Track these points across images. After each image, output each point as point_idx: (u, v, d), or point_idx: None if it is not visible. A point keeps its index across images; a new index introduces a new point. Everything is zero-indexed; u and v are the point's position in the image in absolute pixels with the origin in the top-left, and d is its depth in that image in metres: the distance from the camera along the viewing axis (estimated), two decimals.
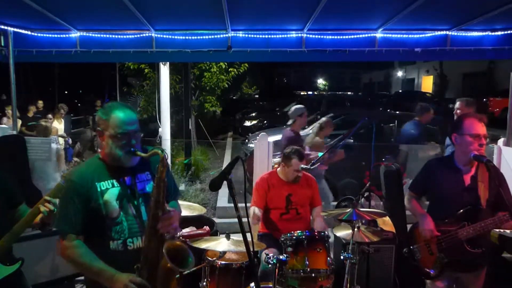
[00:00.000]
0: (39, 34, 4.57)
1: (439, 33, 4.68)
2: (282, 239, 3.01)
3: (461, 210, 2.63)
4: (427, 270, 2.75)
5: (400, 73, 36.10)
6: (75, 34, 4.58)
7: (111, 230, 1.99)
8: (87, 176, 2.01)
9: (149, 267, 1.92)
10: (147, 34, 4.60)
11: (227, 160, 10.47)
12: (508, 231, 2.87)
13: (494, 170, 2.56)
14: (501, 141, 4.75)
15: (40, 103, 10.87)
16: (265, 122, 14.90)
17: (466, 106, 4.75)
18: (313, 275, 2.84)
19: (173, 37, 4.62)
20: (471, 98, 4.99)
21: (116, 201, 2.00)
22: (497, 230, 2.63)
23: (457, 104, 4.80)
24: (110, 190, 2.01)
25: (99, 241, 2.00)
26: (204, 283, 2.88)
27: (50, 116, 9.09)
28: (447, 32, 4.67)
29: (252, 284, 2.76)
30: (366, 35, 4.66)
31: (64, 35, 4.58)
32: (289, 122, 5.28)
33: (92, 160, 2.15)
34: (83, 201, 1.97)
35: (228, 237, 2.79)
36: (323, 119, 5.75)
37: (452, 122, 3.00)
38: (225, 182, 1.86)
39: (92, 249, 1.97)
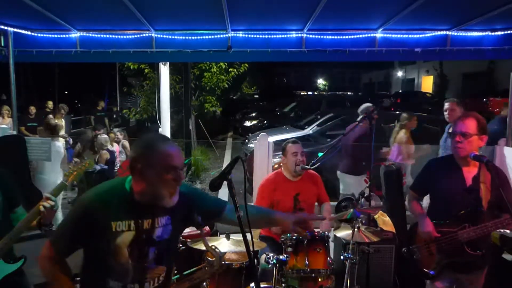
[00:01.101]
0: (39, 34, 4.58)
1: (439, 33, 4.68)
2: (282, 239, 3.00)
3: (462, 212, 2.62)
4: (426, 270, 2.74)
5: (400, 73, 36.10)
6: (75, 34, 4.58)
7: (113, 271, 1.80)
8: (103, 212, 1.77)
9: None
10: (147, 34, 4.60)
11: (227, 160, 10.48)
12: (508, 231, 2.87)
13: (495, 171, 2.55)
14: (501, 141, 4.75)
15: (50, 103, 10.83)
16: (265, 122, 14.91)
17: (458, 105, 4.83)
18: (313, 275, 2.83)
19: (173, 37, 4.62)
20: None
21: (127, 247, 1.78)
22: (498, 230, 2.63)
23: (448, 105, 4.83)
24: (125, 234, 1.78)
25: (99, 275, 1.83)
26: (204, 283, 2.87)
27: (50, 116, 9.07)
28: (447, 32, 4.67)
29: (252, 284, 2.76)
30: (366, 35, 4.66)
31: (64, 35, 4.58)
32: (358, 119, 5.30)
33: (117, 187, 1.85)
34: (88, 236, 1.77)
35: (228, 237, 2.79)
36: (404, 115, 5.98)
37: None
38: (225, 182, 1.85)
39: (89, 278, 1.88)
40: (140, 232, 1.80)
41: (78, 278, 1.95)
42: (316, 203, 3.73)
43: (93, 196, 1.83)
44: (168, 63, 6.29)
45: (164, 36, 4.61)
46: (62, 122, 9.55)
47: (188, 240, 3.04)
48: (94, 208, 1.77)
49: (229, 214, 2.05)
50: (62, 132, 9.01)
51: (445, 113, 4.85)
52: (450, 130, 4.76)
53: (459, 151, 2.64)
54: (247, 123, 15.67)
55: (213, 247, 1.98)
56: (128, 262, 1.79)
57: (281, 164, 3.72)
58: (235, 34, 4.61)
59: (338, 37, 4.66)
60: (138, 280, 1.83)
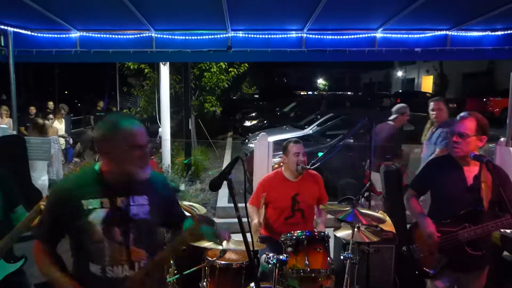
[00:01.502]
0: (39, 34, 4.58)
1: (439, 33, 4.68)
2: (282, 239, 3.00)
3: (462, 211, 2.62)
4: (427, 269, 2.74)
5: (400, 73, 36.11)
6: (75, 34, 4.58)
7: (91, 252, 1.82)
8: (73, 191, 1.83)
9: None
10: (147, 34, 4.60)
11: (227, 160, 10.48)
12: (508, 231, 2.87)
13: (496, 170, 2.55)
14: (501, 141, 4.75)
15: (51, 104, 10.82)
16: (265, 122, 14.90)
17: (444, 104, 4.83)
18: (313, 275, 2.83)
19: (173, 37, 4.62)
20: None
21: (100, 225, 1.80)
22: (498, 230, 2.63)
23: (434, 105, 4.81)
24: (97, 211, 1.81)
25: (80, 261, 1.87)
26: (204, 283, 2.87)
27: (51, 116, 9.09)
28: (447, 32, 4.67)
29: (252, 284, 2.76)
30: (366, 35, 4.66)
31: (64, 35, 4.58)
32: (391, 118, 5.32)
33: (88, 171, 1.92)
34: (64, 217, 1.83)
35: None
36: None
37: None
38: (225, 182, 1.85)
39: (74, 268, 1.91)
40: (114, 210, 1.83)
41: None
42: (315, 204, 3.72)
43: (63, 181, 1.98)
44: (168, 63, 6.30)
45: (164, 36, 4.61)
46: (62, 122, 9.57)
47: None
48: (64, 191, 1.86)
49: (186, 225, 2.08)
50: (62, 133, 9.03)
51: (432, 112, 4.83)
52: (435, 130, 4.77)
53: (456, 151, 2.64)
54: (247, 123, 15.66)
55: (194, 211, 2.00)
56: (104, 240, 1.81)
57: (282, 163, 3.72)
58: (235, 34, 4.61)
59: (338, 37, 4.66)
60: (118, 263, 1.83)
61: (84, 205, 1.81)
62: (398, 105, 5.50)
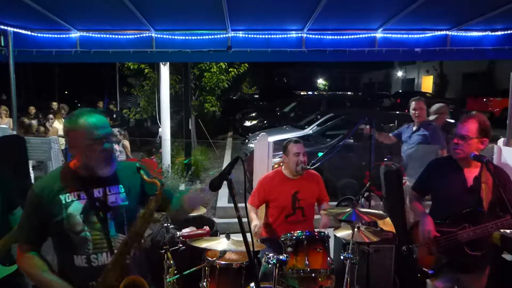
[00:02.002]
0: (39, 34, 4.57)
1: (439, 33, 4.68)
2: (282, 239, 3.01)
3: (462, 212, 2.62)
4: (426, 269, 2.75)
5: (400, 73, 36.11)
6: (75, 34, 4.58)
7: (75, 244, 1.88)
8: (49, 189, 1.90)
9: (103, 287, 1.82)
10: (147, 34, 4.60)
11: (227, 160, 10.48)
12: (508, 231, 2.87)
13: (496, 171, 2.55)
14: (501, 141, 4.75)
15: (54, 104, 10.82)
16: (265, 122, 14.89)
17: (424, 104, 4.83)
18: (313, 275, 2.83)
19: (173, 37, 4.62)
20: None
21: (80, 215, 1.88)
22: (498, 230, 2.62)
23: (415, 104, 4.79)
24: (75, 203, 1.89)
25: (65, 256, 1.92)
26: (204, 283, 2.88)
27: (51, 116, 9.08)
28: (447, 32, 4.67)
29: (252, 284, 2.76)
30: (366, 35, 4.66)
31: (64, 35, 4.58)
32: (432, 118, 5.27)
33: (58, 169, 2.01)
34: (43, 216, 1.88)
35: (228, 237, 2.79)
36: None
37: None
38: (225, 182, 1.85)
39: (59, 264, 1.94)
40: (92, 200, 1.91)
41: None
42: (315, 204, 3.73)
43: (38, 182, 2.03)
44: (168, 63, 6.31)
45: (164, 36, 4.61)
46: (62, 122, 9.57)
47: (188, 240, 3.03)
48: (40, 190, 1.91)
49: (166, 193, 2.10)
50: (62, 133, 9.03)
51: (414, 112, 4.79)
52: (415, 128, 4.77)
53: (457, 152, 2.64)
54: (247, 123, 15.66)
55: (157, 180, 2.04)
56: (85, 230, 1.88)
57: (282, 163, 3.72)
58: (235, 34, 4.61)
59: (338, 37, 4.65)
60: (101, 250, 1.89)
61: (62, 199, 1.89)
62: (436, 105, 5.47)
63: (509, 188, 2.55)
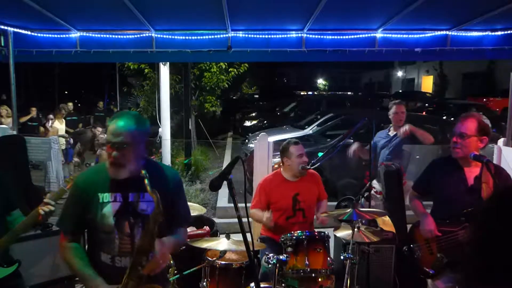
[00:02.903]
0: (39, 34, 4.57)
1: (439, 33, 4.68)
2: (282, 239, 3.00)
3: (463, 212, 2.62)
4: (427, 269, 2.75)
5: (400, 73, 36.08)
6: (75, 34, 4.58)
7: (103, 242, 1.97)
8: (91, 184, 2.00)
9: None
10: (147, 34, 4.60)
11: (227, 160, 10.48)
12: None
13: (496, 170, 2.55)
14: (501, 141, 4.75)
15: (70, 104, 10.81)
16: (265, 122, 14.89)
17: (404, 108, 4.74)
18: (313, 275, 2.83)
19: (173, 37, 4.62)
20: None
21: (113, 217, 1.95)
22: None
23: (395, 108, 4.68)
24: (111, 205, 1.96)
25: (93, 250, 2.02)
26: (204, 283, 2.87)
27: (51, 116, 9.09)
28: (447, 32, 4.67)
29: (252, 284, 2.76)
30: (366, 35, 4.65)
31: (64, 35, 4.58)
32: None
33: (101, 166, 2.06)
34: (83, 208, 1.98)
35: (228, 237, 2.79)
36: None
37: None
38: (225, 182, 1.85)
39: (88, 255, 2.02)
40: (126, 204, 1.97)
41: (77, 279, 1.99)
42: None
43: (82, 175, 2.11)
44: (168, 63, 6.29)
45: (164, 36, 4.61)
46: (62, 122, 9.57)
47: (188, 240, 3.03)
48: (83, 183, 2.01)
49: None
50: (62, 133, 9.03)
51: (393, 115, 4.69)
52: (391, 132, 4.69)
53: (456, 151, 2.64)
54: (247, 123, 15.65)
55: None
56: (114, 231, 1.95)
57: (282, 164, 3.70)
58: (235, 34, 4.61)
59: (338, 37, 4.65)
60: (126, 254, 1.94)
61: (99, 198, 1.97)
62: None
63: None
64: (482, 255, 0.91)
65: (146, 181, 1.90)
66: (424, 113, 15.51)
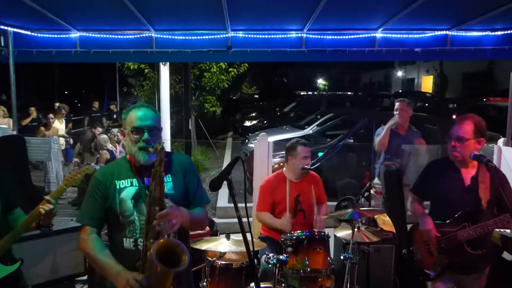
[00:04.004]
0: (39, 34, 4.57)
1: (439, 33, 4.68)
2: (282, 239, 3.00)
3: (461, 211, 2.63)
4: (427, 271, 2.74)
5: (400, 73, 36.09)
6: (75, 34, 4.58)
7: (124, 228, 2.04)
8: (108, 174, 2.10)
9: (149, 265, 1.86)
10: (147, 34, 4.60)
11: (227, 160, 10.48)
12: (508, 230, 2.87)
13: (494, 170, 2.55)
14: (501, 141, 4.75)
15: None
16: (265, 122, 14.89)
17: (408, 106, 4.69)
18: (313, 275, 2.83)
19: (173, 37, 4.62)
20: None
21: (131, 200, 2.04)
22: (498, 230, 2.62)
23: (399, 105, 4.67)
24: (128, 189, 2.06)
25: (115, 238, 2.08)
26: (204, 283, 2.88)
27: (51, 116, 9.07)
28: (447, 32, 4.67)
29: (252, 284, 2.76)
30: (366, 35, 4.66)
31: (64, 35, 4.58)
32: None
33: (119, 159, 2.26)
34: (102, 198, 2.06)
35: (228, 237, 2.79)
36: None
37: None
38: (225, 182, 1.85)
39: (110, 246, 2.08)
40: (143, 187, 2.06)
41: (78, 278, 1.98)
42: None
43: (100, 169, 2.23)
44: (168, 63, 6.29)
45: (164, 36, 4.61)
46: (62, 122, 9.56)
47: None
48: (102, 175, 2.11)
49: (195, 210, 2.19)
50: (62, 133, 9.02)
51: (395, 112, 4.68)
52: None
53: (455, 155, 2.64)
54: (247, 123, 15.65)
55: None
56: (134, 213, 2.03)
57: (285, 164, 3.69)
58: (235, 34, 4.61)
59: (338, 37, 4.65)
60: (149, 236, 1.92)
61: (117, 185, 2.07)
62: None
63: (507, 187, 2.56)
64: None
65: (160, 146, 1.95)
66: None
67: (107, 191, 2.06)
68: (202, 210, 2.26)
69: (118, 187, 2.07)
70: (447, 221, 2.68)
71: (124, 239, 2.04)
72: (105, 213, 2.08)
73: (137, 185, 2.07)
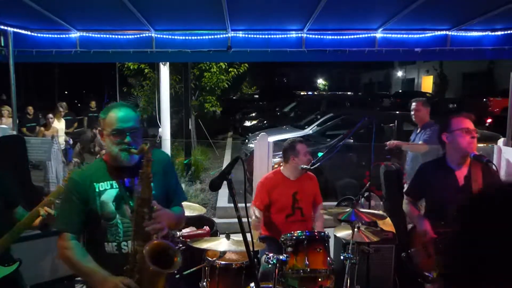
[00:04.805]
0: (39, 34, 4.57)
1: (439, 33, 4.68)
2: (282, 239, 3.01)
3: (457, 211, 2.63)
4: (426, 274, 2.74)
5: (400, 73, 36.08)
6: (75, 34, 4.58)
7: (106, 232, 1.96)
8: (86, 176, 2.01)
9: (138, 269, 1.83)
10: (147, 34, 4.60)
11: (227, 160, 10.47)
12: None
13: (488, 169, 2.57)
14: (501, 141, 4.75)
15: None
16: (265, 122, 14.88)
17: (423, 106, 4.73)
18: (313, 275, 2.83)
19: (173, 37, 4.62)
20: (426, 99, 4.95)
21: (112, 203, 1.97)
22: None
23: (414, 105, 4.73)
24: (108, 191, 1.99)
25: (96, 242, 2.00)
26: (204, 283, 2.87)
27: (51, 115, 9.07)
28: (447, 32, 4.67)
29: (252, 284, 2.76)
30: (366, 35, 4.66)
31: (64, 35, 4.58)
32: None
33: (95, 161, 2.17)
34: (82, 201, 1.97)
35: (228, 237, 2.78)
36: None
37: (441, 124, 3.01)
38: (225, 182, 1.85)
39: (89, 251, 1.98)
40: (123, 189, 2.00)
41: (78, 278, 1.97)
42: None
43: (76, 171, 2.16)
44: (168, 63, 6.29)
45: (164, 36, 4.61)
46: (61, 121, 9.54)
47: (188, 240, 3.04)
48: (80, 177, 2.03)
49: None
50: (61, 133, 9.01)
51: (411, 113, 4.75)
52: (418, 130, 4.67)
53: (473, 147, 2.64)
54: (247, 123, 15.64)
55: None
56: (116, 216, 1.97)
57: (286, 162, 3.69)
58: (235, 34, 4.61)
59: (338, 37, 4.66)
60: (137, 238, 1.88)
61: (96, 187, 1.99)
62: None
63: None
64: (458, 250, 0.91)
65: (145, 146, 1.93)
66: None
67: (87, 194, 1.98)
68: (181, 210, 2.24)
69: (97, 189, 1.99)
70: (443, 222, 2.68)
71: (106, 243, 1.97)
72: (84, 217, 1.99)
73: (117, 187, 2.00)
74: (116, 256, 1.95)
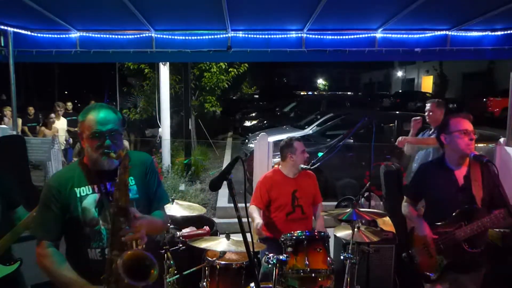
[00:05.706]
0: (39, 34, 4.58)
1: (439, 33, 4.68)
2: (282, 239, 3.01)
3: (457, 211, 2.63)
4: (427, 273, 2.74)
5: (400, 73, 36.10)
6: (75, 34, 4.58)
7: (89, 238, 1.90)
8: (66, 181, 1.93)
9: (115, 278, 1.74)
10: (147, 34, 4.60)
11: (227, 160, 10.47)
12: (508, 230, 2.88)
13: (487, 169, 2.58)
14: (501, 141, 4.75)
15: (69, 104, 10.81)
16: (265, 122, 14.88)
17: (437, 107, 4.67)
18: (313, 275, 2.83)
19: (173, 37, 4.62)
20: (441, 100, 4.89)
21: (95, 208, 1.91)
22: (497, 230, 2.63)
23: (428, 106, 4.63)
24: (90, 196, 1.92)
25: (78, 249, 1.93)
26: (204, 283, 2.87)
27: (52, 115, 9.06)
28: (447, 32, 4.67)
29: (252, 284, 2.76)
30: (366, 35, 4.66)
31: (64, 35, 4.58)
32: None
33: (73, 164, 2.05)
34: (61, 208, 1.90)
35: (228, 237, 2.78)
36: None
37: (439, 125, 3.01)
38: (225, 182, 1.85)
39: (71, 258, 1.93)
40: (104, 193, 1.93)
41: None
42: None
43: (53, 175, 2.07)
44: (168, 63, 6.30)
45: (164, 36, 4.61)
46: (60, 120, 9.53)
47: (188, 240, 3.04)
48: (56, 182, 1.94)
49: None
50: (61, 133, 9.00)
51: (430, 113, 4.59)
52: (431, 132, 4.64)
53: (472, 148, 2.64)
54: (247, 123, 15.64)
55: None
56: (99, 222, 1.91)
57: (284, 160, 3.69)
58: (235, 34, 4.61)
59: (338, 37, 4.66)
60: (114, 247, 1.80)
61: (76, 193, 1.91)
62: None
63: (498, 183, 2.57)
64: None
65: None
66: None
67: (67, 200, 1.89)
68: (162, 214, 2.15)
69: (78, 195, 1.91)
70: (443, 222, 2.69)
71: (89, 250, 1.91)
72: (63, 223, 1.91)
73: (98, 192, 1.93)
74: (99, 262, 1.88)
